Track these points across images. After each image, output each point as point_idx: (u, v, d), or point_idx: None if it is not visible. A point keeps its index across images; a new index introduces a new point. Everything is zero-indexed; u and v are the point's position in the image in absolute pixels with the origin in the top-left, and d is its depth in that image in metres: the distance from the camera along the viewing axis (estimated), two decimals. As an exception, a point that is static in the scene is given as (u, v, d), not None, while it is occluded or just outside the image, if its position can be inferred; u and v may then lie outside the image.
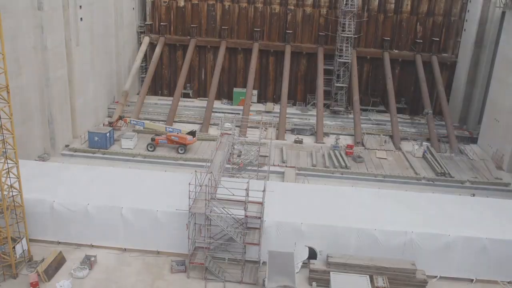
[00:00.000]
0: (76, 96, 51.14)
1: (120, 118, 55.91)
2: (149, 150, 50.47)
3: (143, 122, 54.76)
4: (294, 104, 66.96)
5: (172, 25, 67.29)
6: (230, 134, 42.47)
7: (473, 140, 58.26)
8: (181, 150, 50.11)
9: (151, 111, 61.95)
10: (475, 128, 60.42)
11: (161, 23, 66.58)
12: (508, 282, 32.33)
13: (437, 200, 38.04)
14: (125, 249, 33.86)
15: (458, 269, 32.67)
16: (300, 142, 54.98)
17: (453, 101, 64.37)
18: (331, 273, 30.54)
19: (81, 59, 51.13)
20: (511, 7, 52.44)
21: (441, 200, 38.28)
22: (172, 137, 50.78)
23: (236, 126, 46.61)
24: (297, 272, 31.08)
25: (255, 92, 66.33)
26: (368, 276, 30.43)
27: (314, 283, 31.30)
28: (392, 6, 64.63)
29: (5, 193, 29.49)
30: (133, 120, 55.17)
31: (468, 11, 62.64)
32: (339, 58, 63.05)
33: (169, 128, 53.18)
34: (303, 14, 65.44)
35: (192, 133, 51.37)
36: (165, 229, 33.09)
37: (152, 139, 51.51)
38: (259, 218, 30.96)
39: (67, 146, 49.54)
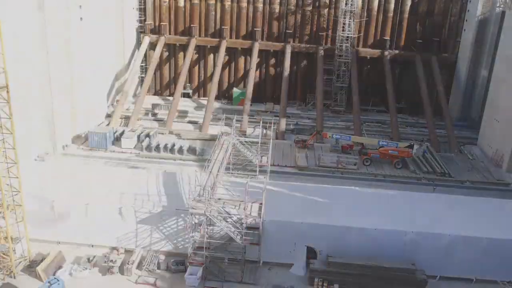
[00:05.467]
0: (76, 96, 51.05)
1: (318, 132, 50.52)
2: (365, 165, 47.54)
3: (350, 136, 50.34)
4: (293, 104, 66.86)
5: (172, 25, 67.16)
6: (230, 134, 42.44)
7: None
8: (398, 164, 47.54)
9: (151, 111, 61.74)
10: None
11: (161, 23, 66.48)
12: (508, 282, 32.35)
13: (437, 200, 38.06)
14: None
15: (458, 269, 32.71)
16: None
17: (453, 101, 64.30)
18: None
19: (81, 59, 51.04)
20: (511, 7, 52.41)
21: (441, 200, 38.31)
22: (391, 151, 47.57)
23: (236, 126, 46.46)
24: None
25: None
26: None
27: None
28: (392, 6, 64.52)
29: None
30: (336, 135, 50.07)
31: (468, 11, 62.54)
32: (339, 58, 62.98)
33: (382, 141, 49.57)
34: (303, 14, 65.38)
35: (411, 146, 48.34)
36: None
37: (364, 153, 48.63)
38: (259, 218, 30.96)
39: (67, 146, 49.50)
